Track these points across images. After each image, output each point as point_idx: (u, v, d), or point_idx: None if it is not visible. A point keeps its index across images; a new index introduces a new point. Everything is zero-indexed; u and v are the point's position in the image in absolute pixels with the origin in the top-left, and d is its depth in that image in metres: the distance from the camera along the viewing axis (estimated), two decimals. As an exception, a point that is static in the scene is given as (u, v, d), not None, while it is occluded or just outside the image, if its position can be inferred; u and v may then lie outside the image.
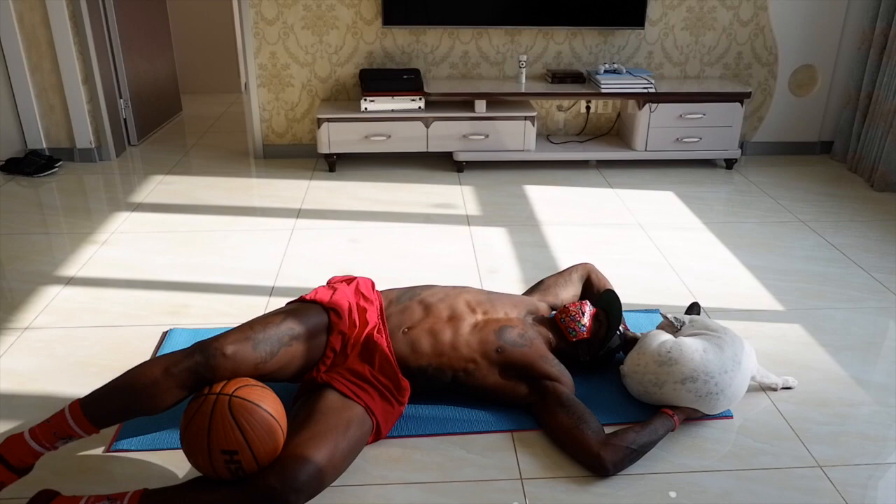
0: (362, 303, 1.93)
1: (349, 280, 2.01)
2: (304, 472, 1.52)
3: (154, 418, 1.89)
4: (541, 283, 2.30)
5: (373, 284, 2.03)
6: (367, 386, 1.79)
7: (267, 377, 1.71)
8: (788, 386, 2.07)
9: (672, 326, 2.04)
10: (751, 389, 2.05)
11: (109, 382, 1.61)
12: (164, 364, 1.59)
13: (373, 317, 1.91)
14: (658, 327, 2.10)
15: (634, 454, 1.75)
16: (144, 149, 4.27)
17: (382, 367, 1.84)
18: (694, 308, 2.24)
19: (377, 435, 1.81)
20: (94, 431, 1.59)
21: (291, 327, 1.76)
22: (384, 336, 1.89)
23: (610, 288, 2.25)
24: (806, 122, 4.16)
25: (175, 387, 1.58)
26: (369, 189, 3.62)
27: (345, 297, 1.90)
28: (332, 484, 1.69)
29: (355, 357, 1.85)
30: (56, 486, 1.68)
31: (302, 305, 1.86)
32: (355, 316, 1.89)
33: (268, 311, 2.38)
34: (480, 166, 3.96)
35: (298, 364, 1.77)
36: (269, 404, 1.57)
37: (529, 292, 2.28)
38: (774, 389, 2.05)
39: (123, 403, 1.58)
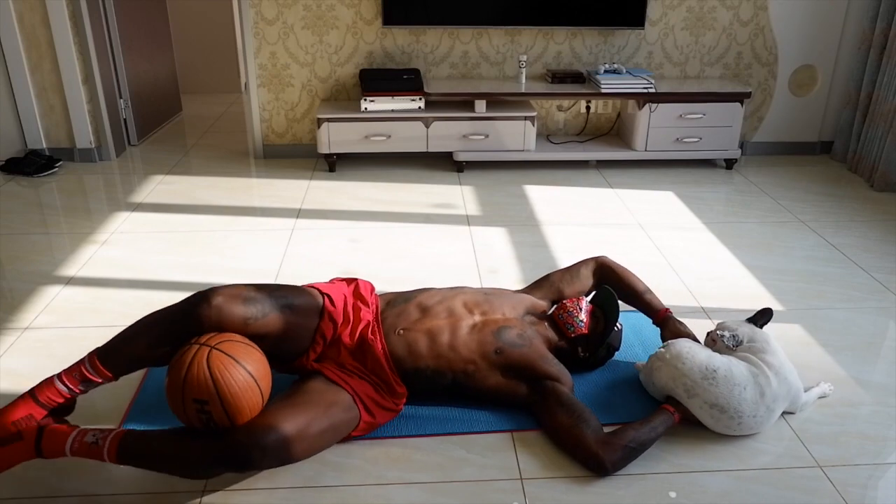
0: (358, 302, 1.94)
1: (350, 280, 2.02)
2: (272, 434, 1.56)
3: (155, 419, 1.89)
4: (545, 278, 2.25)
5: (372, 288, 2.03)
6: (356, 377, 1.82)
7: (253, 340, 1.71)
8: (824, 395, 2.03)
9: (727, 348, 1.96)
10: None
11: (122, 331, 1.70)
12: (162, 312, 1.69)
13: (367, 316, 1.92)
14: (705, 341, 2.04)
15: (634, 452, 1.75)
16: (144, 149, 4.27)
17: (374, 369, 1.85)
18: (764, 315, 2.07)
19: (370, 427, 1.82)
20: (110, 378, 1.68)
21: (286, 296, 1.78)
22: (378, 338, 1.89)
23: (630, 280, 2.18)
24: (806, 122, 4.16)
25: (168, 334, 1.66)
26: (369, 189, 3.62)
27: (340, 291, 1.93)
28: (332, 484, 1.69)
29: (347, 355, 1.86)
30: (56, 486, 1.69)
31: (301, 287, 1.89)
32: (349, 310, 1.90)
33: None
34: (480, 166, 3.96)
35: (284, 335, 1.76)
36: (250, 363, 1.61)
37: (532, 288, 2.24)
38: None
39: (131, 350, 1.68)
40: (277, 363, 1.83)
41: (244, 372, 1.59)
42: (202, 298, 1.67)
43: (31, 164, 3.72)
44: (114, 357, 1.68)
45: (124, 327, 1.71)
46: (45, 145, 3.89)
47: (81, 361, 1.67)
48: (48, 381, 1.66)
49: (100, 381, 1.68)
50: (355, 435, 1.81)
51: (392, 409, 1.86)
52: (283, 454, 1.59)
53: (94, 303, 2.50)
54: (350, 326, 1.89)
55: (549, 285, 2.22)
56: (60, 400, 1.66)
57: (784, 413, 1.95)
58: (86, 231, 3.09)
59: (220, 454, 1.55)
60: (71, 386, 1.66)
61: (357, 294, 1.97)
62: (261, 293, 1.74)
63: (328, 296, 1.88)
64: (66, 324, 2.36)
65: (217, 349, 1.59)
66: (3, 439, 1.58)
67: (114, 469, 1.74)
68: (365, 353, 1.86)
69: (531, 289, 2.25)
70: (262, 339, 1.72)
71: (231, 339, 1.64)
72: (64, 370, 1.67)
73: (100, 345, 1.70)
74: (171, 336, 1.66)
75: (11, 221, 3.17)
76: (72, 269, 2.75)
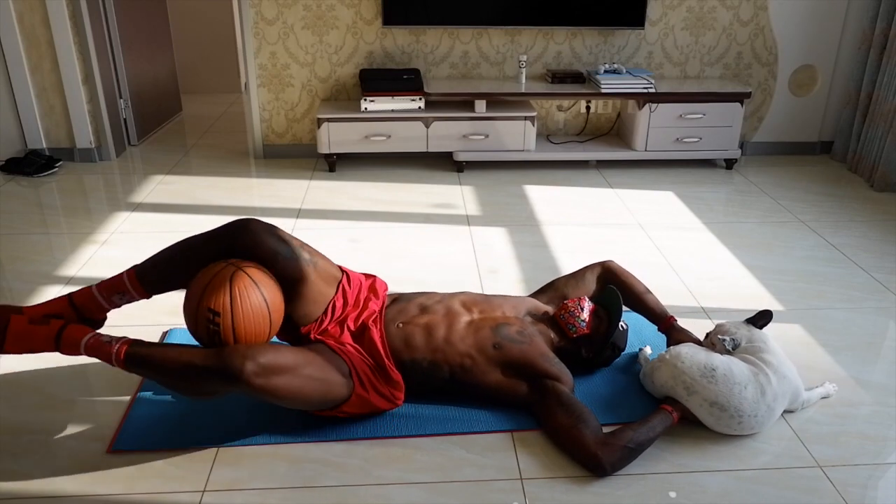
0: (371, 294, 2.01)
1: (368, 276, 2.09)
2: (269, 355, 1.62)
3: (154, 419, 1.89)
4: (550, 284, 2.28)
5: (386, 287, 2.09)
6: (356, 354, 1.86)
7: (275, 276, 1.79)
8: (828, 395, 2.02)
9: (724, 349, 1.96)
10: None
11: (159, 251, 1.83)
12: (199, 235, 1.81)
13: (374, 307, 1.98)
14: (704, 343, 2.04)
15: (632, 453, 1.75)
16: (144, 149, 4.27)
17: (371, 353, 1.89)
18: (764, 317, 2.06)
19: (362, 403, 1.82)
20: (144, 296, 1.83)
21: (313, 254, 1.89)
22: (378, 328, 1.93)
23: (635, 286, 2.19)
24: (806, 122, 4.16)
25: (202, 255, 1.76)
26: (369, 189, 3.62)
27: (358, 278, 2.02)
28: (332, 484, 1.69)
29: (348, 336, 1.91)
30: (56, 486, 1.69)
31: (326, 256, 1.99)
32: (361, 297, 1.98)
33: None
34: (480, 166, 3.96)
35: (303, 290, 1.82)
36: (269, 293, 1.71)
37: (537, 293, 2.27)
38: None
39: (165, 270, 1.81)
40: (285, 328, 1.88)
41: (261, 298, 1.69)
42: (239, 224, 1.77)
43: (31, 164, 3.72)
44: (149, 275, 1.80)
45: (162, 248, 1.84)
46: (45, 145, 3.89)
47: (119, 275, 1.80)
48: (86, 289, 1.80)
49: (134, 295, 1.81)
50: (347, 410, 1.82)
51: (388, 397, 1.88)
52: (272, 379, 1.61)
53: (94, 303, 2.50)
54: (357, 312, 1.95)
55: (554, 290, 2.24)
56: (94, 308, 1.80)
57: (784, 412, 1.96)
58: (86, 231, 3.09)
59: (216, 361, 1.60)
60: (105, 296, 1.80)
61: (371, 287, 2.04)
62: (293, 240, 1.84)
63: (347, 275, 1.97)
64: (66, 324, 2.36)
65: (243, 270, 1.69)
66: (32, 319, 1.71)
67: (114, 468, 1.74)
68: (364, 338, 1.91)
69: (536, 294, 2.27)
70: (284, 284, 1.79)
71: (259, 268, 1.73)
72: (102, 281, 1.81)
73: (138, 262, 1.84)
74: (205, 258, 1.76)
75: (11, 221, 3.17)
76: (72, 269, 2.74)
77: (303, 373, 1.67)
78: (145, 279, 1.80)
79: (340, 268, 1.99)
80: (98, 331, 1.74)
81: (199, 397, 1.71)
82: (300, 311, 1.86)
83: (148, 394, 2.00)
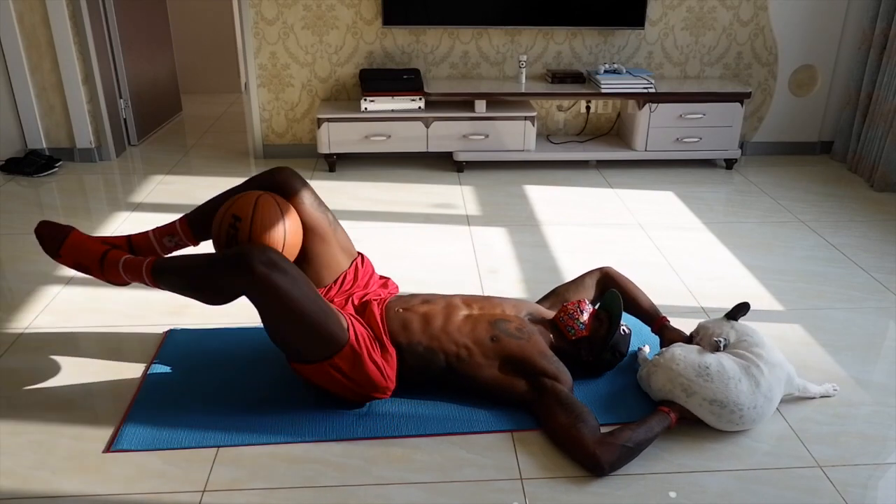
0: (380, 286, 2.12)
1: (383, 277, 2.20)
2: (278, 255, 1.72)
3: (154, 419, 1.89)
4: (553, 291, 2.30)
5: (398, 289, 2.18)
6: (355, 320, 1.91)
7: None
8: (828, 394, 2.03)
9: (715, 347, 1.96)
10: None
11: (206, 201, 2.03)
12: (245, 181, 1.99)
13: (379, 292, 2.09)
14: (695, 340, 2.05)
15: (631, 452, 1.75)
16: (144, 149, 4.27)
17: (370, 324, 1.95)
18: (742, 310, 2.09)
19: (354, 358, 1.81)
20: (192, 241, 2.03)
21: (337, 220, 2.06)
22: (380, 308, 1.99)
23: (631, 289, 2.22)
24: (806, 122, 4.16)
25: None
26: (369, 189, 3.62)
27: (372, 267, 2.15)
28: (332, 484, 1.70)
29: (350, 308, 1.99)
30: (56, 487, 1.69)
31: None
32: (371, 282, 2.10)
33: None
34: (480, 166, 3.96)
35: (319, 249, 1.97)
36: (289, 220, 1.88)
37: (541, 302, 2.28)
38: (813, 398, 2.02)
39: (212, 214, 1.95)
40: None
41: (280, 220, 1.86)
42: (277, 168, 1.98)
43: (31, 164, 3.72)
44: (196, 220, 2.01)
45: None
46: (45, 145, 3.89)
47: (173, 222, 2.02)
48: (144, 232, 2.03)
49: (183, 238, 2.02)
50: (339, 363, 1.81)
51: (380, 367, 1.87)
52: (275, 274, 1.67)
53: (94, 303, 2.50)
54: (363, 291, 2.07)
55: (556, 296, 2.27)
56: (147, 251, 2.00)
57: (784, 406, 1.96)
58: (86, 231, 3.08)
59: (229, 254, 1.71)
60: (157, 238, 2.01)
61: (384, 284, 2.15)
62: (321, 200, 2.03)
63: (363, 258, 2.12)
64: (66, 324, 2.36)
65: (272, 196, 1.89)
66: (89, 237, 1.96)
67: (114, 468, 1.74)
68: (365, 313, 1.99)
69: (539, 302, 2.29)
70: (304, 234, 1.94)
71: (286, 202, 1.91)
72: (158, 227, 2.03)
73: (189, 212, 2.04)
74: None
75: (11, 221, 3.17)
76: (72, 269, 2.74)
77: (304, 288, 1.73)
78: (193, 224, 2.01)
79: (360, 252, 2.12)
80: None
81: (214, 300, 1.80)
82: (312, 271, 1.97)
83: (148, 394, 2.00)
